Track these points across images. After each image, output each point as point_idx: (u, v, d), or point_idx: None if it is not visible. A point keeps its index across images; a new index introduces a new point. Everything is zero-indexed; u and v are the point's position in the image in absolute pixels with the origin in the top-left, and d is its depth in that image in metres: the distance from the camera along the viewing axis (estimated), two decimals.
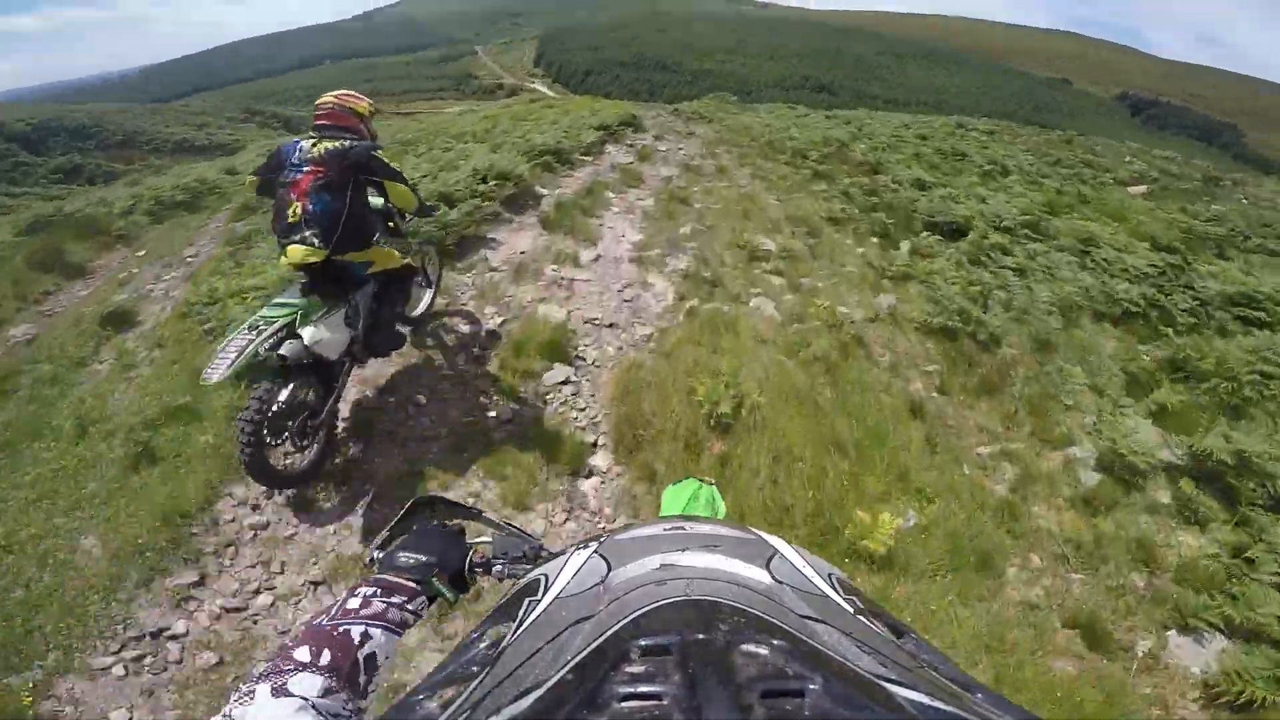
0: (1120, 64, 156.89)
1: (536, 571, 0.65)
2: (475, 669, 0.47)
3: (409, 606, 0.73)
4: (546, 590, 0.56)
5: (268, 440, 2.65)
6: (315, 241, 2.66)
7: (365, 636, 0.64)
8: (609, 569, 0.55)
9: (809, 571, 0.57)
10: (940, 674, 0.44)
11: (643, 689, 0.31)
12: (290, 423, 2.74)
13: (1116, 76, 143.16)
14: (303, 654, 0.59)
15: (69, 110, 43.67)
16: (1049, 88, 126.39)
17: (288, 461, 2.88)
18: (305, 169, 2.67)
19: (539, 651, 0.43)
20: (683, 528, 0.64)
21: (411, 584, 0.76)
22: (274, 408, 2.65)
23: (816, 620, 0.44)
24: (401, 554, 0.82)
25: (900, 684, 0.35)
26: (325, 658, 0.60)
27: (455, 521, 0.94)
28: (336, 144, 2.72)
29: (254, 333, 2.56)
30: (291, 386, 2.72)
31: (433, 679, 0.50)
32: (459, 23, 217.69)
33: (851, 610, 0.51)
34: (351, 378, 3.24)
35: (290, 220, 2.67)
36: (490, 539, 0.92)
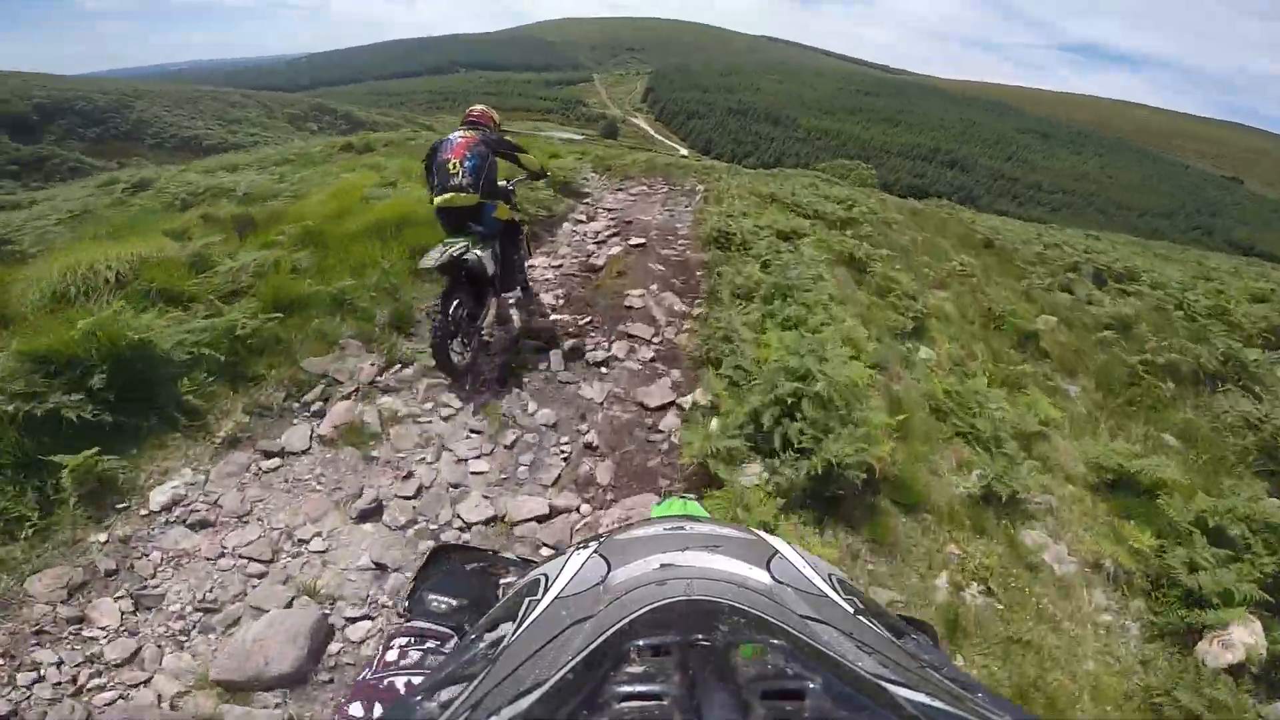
0: None
1: (536, 571, 0.62)
2: (475, 669, 0.46)
3: (444, 650, 0.73)
4: (546, 590, 0.55)
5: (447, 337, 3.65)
6: (469, 189, 3.73)
7: (409, 686, 0.65)
8: (609, 568, 0.54)
9: (809, 572, 0.56)
10: (941, 674, 0.43)
11: (643, 689, 0.31)
12: (457, 327, 3.77)
13: None
14: (356, 709, 0.62)
15: (98, 90, 42.39)
16: (1216, 186, 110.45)
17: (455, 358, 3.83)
18: (459, 139, 3.81)
19: (539, 651, 0.42)
20: (683, 527, 0.63)
21: (445, 629, 0.76)
22: (450, 313, 3.67)
23: (817, 621, 0.44)
24: (431, 597, 0.82)
25: (901, 684, 0.35)
26: (377, 710, 0.62)
27: (477, 564, 0.92)
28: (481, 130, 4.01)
29: (447, 247, 3.69)
30: (458, 300, 3.73)
31: (433, 679, 0.50)
32: (584, 50, 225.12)
33: (851, 610, 0.51)
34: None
35: (451, 172, 3.72)
36: (513, 578, 0.88)
